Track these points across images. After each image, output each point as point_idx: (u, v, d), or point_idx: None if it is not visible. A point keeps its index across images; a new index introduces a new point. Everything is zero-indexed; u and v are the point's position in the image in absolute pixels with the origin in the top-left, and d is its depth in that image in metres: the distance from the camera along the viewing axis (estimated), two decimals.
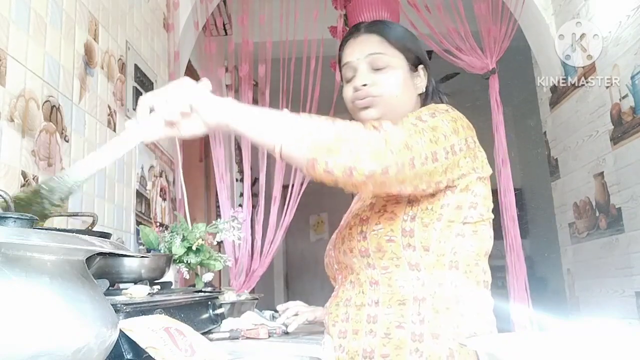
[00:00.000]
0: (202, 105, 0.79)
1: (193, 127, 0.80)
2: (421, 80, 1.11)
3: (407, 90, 1.08)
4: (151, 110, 0.77)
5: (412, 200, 0.97)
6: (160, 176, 2.14)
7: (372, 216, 0.99)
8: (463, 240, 0.97)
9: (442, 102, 1.09)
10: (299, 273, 5.33)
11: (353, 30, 1.15)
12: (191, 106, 0.78)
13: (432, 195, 0.96)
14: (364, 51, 1.08)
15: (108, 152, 0.75)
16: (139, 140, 0.78)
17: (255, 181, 3.04)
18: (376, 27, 1.12)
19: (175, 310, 0.92)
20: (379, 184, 0.82)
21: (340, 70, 1.15)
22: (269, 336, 1.05)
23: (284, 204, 2.49)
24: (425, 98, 1.11)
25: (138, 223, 1.82)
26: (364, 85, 1.06)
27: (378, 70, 1.07)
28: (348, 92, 1.09)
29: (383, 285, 0.97)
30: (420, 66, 1.11)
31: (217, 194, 2.52)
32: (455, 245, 0.96)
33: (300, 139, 0.80)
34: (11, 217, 0.53)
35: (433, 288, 0.94)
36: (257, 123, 0.82)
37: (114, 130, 1.66)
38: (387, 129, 0.84)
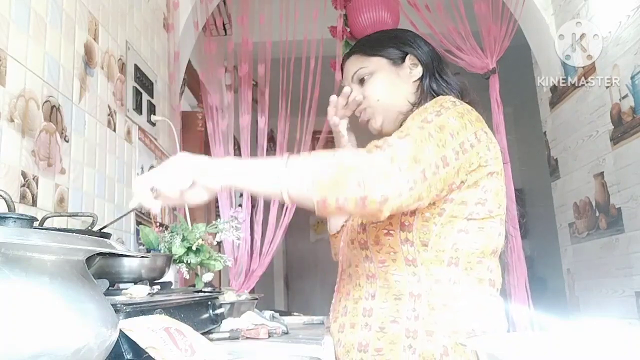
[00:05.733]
0: (204, 177, 0.80)
1: (197, 195, 0.81)
2: (413, 68, 1.10)
3: (393, 86, 1.09)
4: (153, 190, 0.78)
5: None
6: None
7: None
8: (466, 237, 0.93)
9: (447, 87, 1.08)
10: (299, 273, 5.33)
11: (344, 57, 1.21)
12: (194, 180, 0.79)
13: None
14: (349, 74, 1.15)
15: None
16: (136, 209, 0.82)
17: None
18: (355, 47, 1.18)
19: (175, 310, 0.92)
20: (396, 208, 0.79)
21: None
22: (269, 336, 1.05)
23: (284, 204, 2.48)
24: (422, 83, 1.10)
25: (138, 223, 1.82)
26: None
27: (363, 82, 1.12)
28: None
29: (380, 279, 0.96)
30: (408, 56, 1.10)
31: (216, 194, 2.52)
32: (457, 242, 0.93)
33: (304, 182, 0.78)
34: (11, 217, 0.53)
35: (429, 284, 0.93)
36: (259, 176, 0.82)
37: (114, 130, 1.66)
38: (391, 143, 0.82)
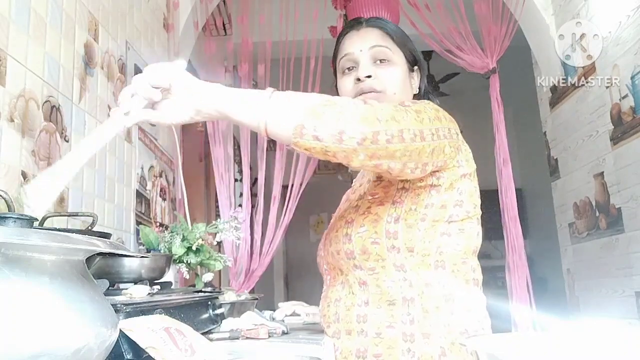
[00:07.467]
0: (182, 84, 0.77)
1: (176, 111, 0.78)
2: (416, 81, 1.12)
3: (405, 88, 1.07)
4: (133, 95, 0.76)
5: (396, 202, 0.96)
6: (160, 176, 2.14)
7: (357, 218, 0.99)
8: (449, 239, 0.96)
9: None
10: (299, 273, 5.34)
11: (354, 23, 1.13)
12: (171, 85, 0.77)
13: (417, 195, 0.95)
14: (366, 43, 1.06)
15: (93, 141, 0.74)
16: (122, 124, 0.76)
17: (254, 181, 3.04)
18: (378, 22, 1.11)
19: (175, 310, 0.92)
20: (370, 154, 0.77)
21: (335, 64, 1.13)
22: (269, 336, 1.04)
23: (284, 204, 2.49)
24: (417, 99, 1.10)
25: (138, 223, 1.81)
26: (368, 76, 1.04)
27: (381, 63, 1.06)
28: (348, 83, 1.07)
29: (372, 285, 0.97)
30: (416, 67, 1.11)
31: (216, 194, 2.52)
32: (441, 245, 0.95)
33: (286, 108, 0.76)
34: (11, 217, 0.53)
35: (420, 288, 0.94)
36: (241, 101, 0.78)
37: None
38: (373, 103, 0.82)
